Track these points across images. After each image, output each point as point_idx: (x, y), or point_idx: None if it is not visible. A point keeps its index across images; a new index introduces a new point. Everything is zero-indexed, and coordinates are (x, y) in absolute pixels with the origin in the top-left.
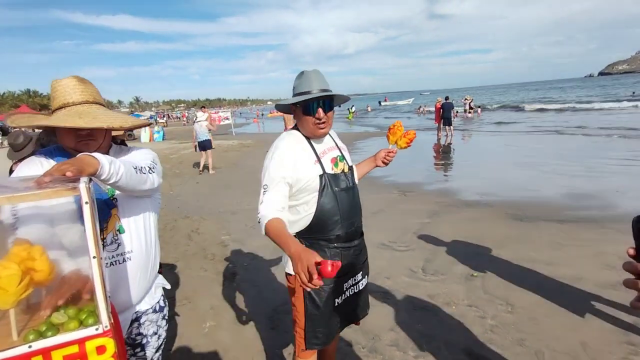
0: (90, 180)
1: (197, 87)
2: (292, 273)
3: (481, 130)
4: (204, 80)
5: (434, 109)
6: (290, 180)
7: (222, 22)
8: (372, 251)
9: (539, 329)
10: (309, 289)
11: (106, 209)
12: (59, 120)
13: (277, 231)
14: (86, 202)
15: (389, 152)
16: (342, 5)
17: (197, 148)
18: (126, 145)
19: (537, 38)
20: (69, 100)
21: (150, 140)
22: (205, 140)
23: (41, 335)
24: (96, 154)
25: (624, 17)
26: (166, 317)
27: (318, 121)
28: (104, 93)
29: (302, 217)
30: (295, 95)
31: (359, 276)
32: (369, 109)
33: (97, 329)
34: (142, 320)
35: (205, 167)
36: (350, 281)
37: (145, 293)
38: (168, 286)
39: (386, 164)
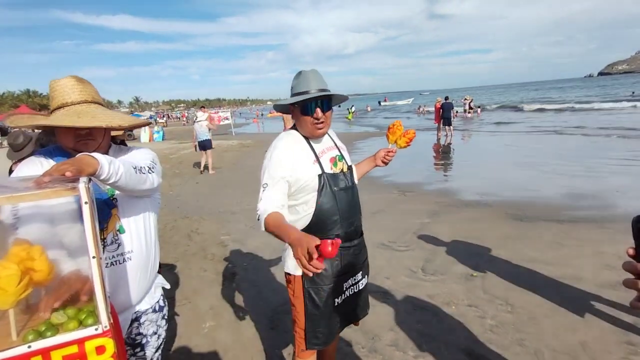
0: (90, 180)
1: (197, 87)
2: (292, 273)
3: (481, 130)
4: (204, 80)
5: (433, 109)
6: (289, 179)
7: (222, 22)
8: (371, 251)
9: (538, 329)
10: (310, 274)
11: (106, 209)
12: (58, 119)
13: (276, 222)
14: (85, 202)
15: (389, 151)
16: (342, 5)
17: (197, 148)
18: (126, 145)
19: (537, 38)
20: (67, 100)
21: (150, 140)
22: (206, 140)
23: (40, 335)
24: (95, 154)
25: (624, 17)
26: (166, 317)
27: (316, 121)
28: (104, 93)
29: (301, 216)
30: (293, 95)
31: (359, 276)
32: (369, 109)
33: (96, 329)
34: (142, 320)
35: (206, 167)
36: (350, 281)
37: (145, 293)
38: (167, 286)
39: (386, 163)
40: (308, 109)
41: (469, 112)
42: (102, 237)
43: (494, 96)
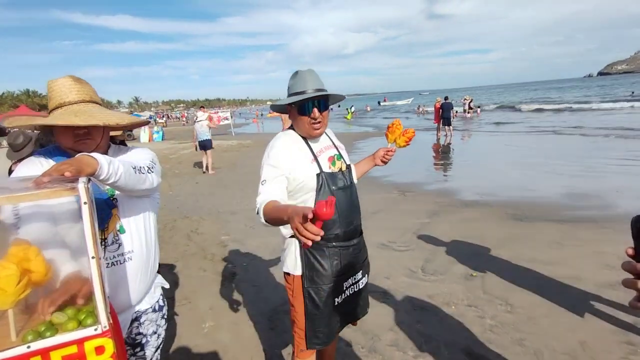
0: (89, 180)
1: (196, 87)
2: (291, 272)
3: (480, 130)
4: (204, 80)
5: (433, 109)
6: (288, 176)
7: (222, 22)
8: (371, 251)
9: (538, 329)
10: (309, 242)
11: (107, 209)
12: (55, 118)
13: (273, 206)
14: (85, 203)
15: (388, 150)
16: (342, 5)
17: (198, 148)
18: (126, 145)
19: (537, 38)
20: (65, 100)
21: (149, 141)
22: (206, 140)
23: (40, 335)
24: (95, 154)
25: (624, 17)
26: (165, 317)
27: (313, 121)
28: (104, 93)
29: None
30: (290, 95)
31: (359, 275)
32: (368, 108)
33: (95, 330)
34: (142, 320)
35: (206, 166)
36: (350, 280)
37: (145, 293)
38: (167, 285)
39: (385, 162)
40: (305, 109)
41: (468, 112)
42: (103, 237)
43: (493, 96)
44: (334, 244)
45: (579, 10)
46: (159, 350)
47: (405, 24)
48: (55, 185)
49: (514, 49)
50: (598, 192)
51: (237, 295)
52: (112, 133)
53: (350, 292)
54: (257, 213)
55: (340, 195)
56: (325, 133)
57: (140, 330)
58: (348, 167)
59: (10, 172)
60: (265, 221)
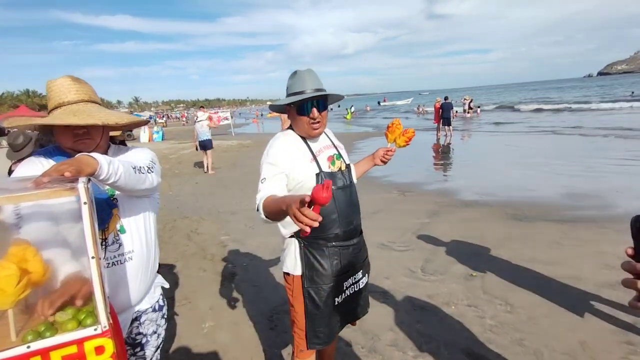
0: (89, 180)
1: (196, 87)
2: (291, 272)
3: (480, 130)
4: (204, 80)
5: (432, 109)
6: (288, 173)
7: (222, 22)
8: (371, 251)
9: (538, 329)
10: (308, 229)
11: (108, 209)
12: (54, 118)
13: (271, 200)
14: (85, 203)
15: (388, 150)
16: (342, 5)
17: (198, 148)
18: (126, 145)
19: (536, 38)
20: (64, 100)
21: (149, 141)
22: (206, 139)
23: (40, 335)
24: (95, 154)
25: (623, 17)
26: (165, 316)
27: (313, 121)
28: (103, 93)
29: None
30: (289, 95)
31: (359, 275)
32: (368, 108)
33: (95, 330)
34: (142, 320)
35: (206, 166)
36: (350, 280)
37: (146, 293)
38: (167, 285)
39: (384, 162)
40: (304, 109)
41: (468, 112)
42: (104, 237)
43: (493, 96)
44: (333, 243)
45: (579, 10)
46: (159, 350)
47: (405, 24)
48: (55, 185)
49: (514, 49)
50: (598, 192)
51: (237, 295)
52: (111, 133)
53: (351, 292)
54: (257, 210)
55: (340, 195)
56: (324, 133)
57: (141, 330)
58: (347, 166)
59: (10, 172)
60: (266, 217)
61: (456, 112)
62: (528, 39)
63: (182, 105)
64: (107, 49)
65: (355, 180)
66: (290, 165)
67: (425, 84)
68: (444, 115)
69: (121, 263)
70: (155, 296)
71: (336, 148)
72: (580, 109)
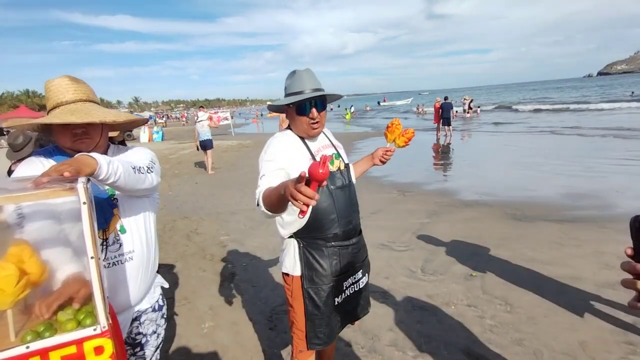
0: (89, 180)
1: (196, 88)
2: (290, 273)
3: (480, 130)
4: (203, 80)
5: (432, 109)
6: (287, 170)
7: (221, 22)
8: (370, 251)
9: (537, 329)
10: (305, 208)
11: (109, 208)
12: (52, 117)
13: (270, 190)
14: (84, 203)
15: (387, 150)
16: (341, 6)
17: (199, 148)
18: (125, 145)
19: (536, 38)
20: (62, 100)
21: (149, 141)
22: (207, 139)
23: (39, 335)
24: (94, 154)
25: (623, 17)
26: (165, 316)
27: (312, 121)
28: (103, 93)
29: None
30: (287, 95)
31: (359, 274)
32: (368, 109)
33: (95, 330)
34: (142, 320)
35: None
36: (350, 280)
37: (146, 293)
38: (166, 285)
39: (383, 162)
40: (303, 109)
41: (468, 112)
42: (105, 237)
43: (492, 96)
44: (332, 243)
45: (579, 10)
46: (158, 350)
47: (404, 24)
48: (55, 186)
49: (514, 49)
50: (597, 192)
51: (236, 296)
52: (110, 134)
53: (351, 292)
54: (258, 205)
55: (339, 195)
56: (323, 132)
57: (140, 330)
58: (346, 166)
59: (10, 172)
60: (267, 209)
61: (456, 112)
62: (528, 39)
63: (182, 105)
64: (107, 49)
65: (354, 180)
66: (289, 164)
67: (425, 84)
68: (443, 115)
69: (122, 263)
70: (155, 296)
71: (335, 147)
72: (580, 109)
